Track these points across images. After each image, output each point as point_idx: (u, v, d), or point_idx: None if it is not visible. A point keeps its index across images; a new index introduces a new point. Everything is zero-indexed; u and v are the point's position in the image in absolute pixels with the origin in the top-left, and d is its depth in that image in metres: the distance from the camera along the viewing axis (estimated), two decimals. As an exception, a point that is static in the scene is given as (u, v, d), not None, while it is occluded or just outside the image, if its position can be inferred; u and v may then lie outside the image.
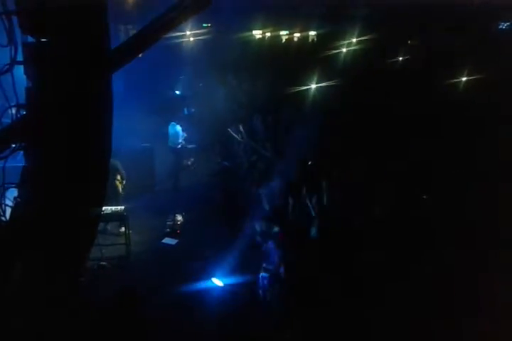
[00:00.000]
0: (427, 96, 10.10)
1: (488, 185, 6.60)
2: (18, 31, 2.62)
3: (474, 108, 9.46)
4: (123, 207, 7.87)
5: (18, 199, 2.92)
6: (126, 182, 8.98)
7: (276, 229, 6.53)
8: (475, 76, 12.28)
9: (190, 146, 12.73)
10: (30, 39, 2.69)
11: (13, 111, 2.79)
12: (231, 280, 6.69)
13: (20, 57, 2.65)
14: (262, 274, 6.19)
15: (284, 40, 19.96)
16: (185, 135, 11.61)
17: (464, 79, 12.69)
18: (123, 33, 14.40)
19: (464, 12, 17.10)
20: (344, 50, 16.49)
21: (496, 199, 6.25)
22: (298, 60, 14.32)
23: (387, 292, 5.28)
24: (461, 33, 15.84)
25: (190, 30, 16.49)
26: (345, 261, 5.69)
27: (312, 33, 20.38)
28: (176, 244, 8.30)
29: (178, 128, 11.46)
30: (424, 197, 7.07)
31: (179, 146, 11.39)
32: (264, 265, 6.23)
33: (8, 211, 2.98)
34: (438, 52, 14.62)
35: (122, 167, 8.57)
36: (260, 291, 6.24)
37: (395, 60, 15.14)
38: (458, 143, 7.95)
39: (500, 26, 19.46)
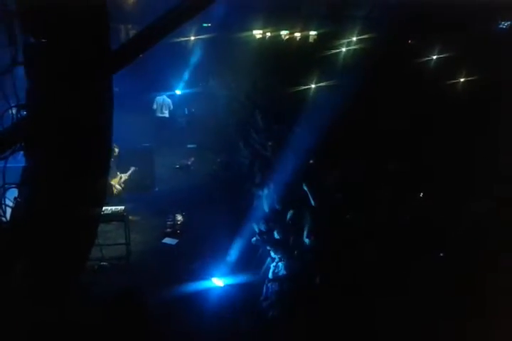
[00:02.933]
0: (427, 96, 10.09)
1: (490, 185, 6.59)
2: (18, 32, 2.61)
3: (474, 108, 9.44)
4: (123, 207, 7.85)
5: (19, 200, 2.92)
6: (126, 181, 9.03)
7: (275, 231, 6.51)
8: (475, 76, 12.26)
9: (190, 146, 12.80)
10: (30, 39, 2.68)
11: (14, 111, 2.79)
12: (231, 280, 6.69)
13: (20, 58, 2.65)
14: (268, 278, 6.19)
15: (284, 40, 19.93)
16: (172, 107, 13.47)
17: (462, 79, 12.67)
18: (123, 32, 14.43)
19: (464, 11, 17.06)
20: (344, 49, 16.49)
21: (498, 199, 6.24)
22: (299, 60, 14.31)
23: (388, 292, 5.27)
24: (461, 33, 15.81)
25: (190, 30, 16.49)
26: (343, 262, 5.67)
27: (313, 32, 20.35)
28: (176, 244, 8.29)
29: (167, 99, 13.33)
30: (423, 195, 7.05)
31: (167, 116, 13.34)
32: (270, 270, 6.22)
33: (9, 211, 2.98)
34: (438, 52, 14.62)
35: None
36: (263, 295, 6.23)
37: (395, 59, 15.10)
38: (459, 144, 7.93)
39: (501, 26, 19.40)
